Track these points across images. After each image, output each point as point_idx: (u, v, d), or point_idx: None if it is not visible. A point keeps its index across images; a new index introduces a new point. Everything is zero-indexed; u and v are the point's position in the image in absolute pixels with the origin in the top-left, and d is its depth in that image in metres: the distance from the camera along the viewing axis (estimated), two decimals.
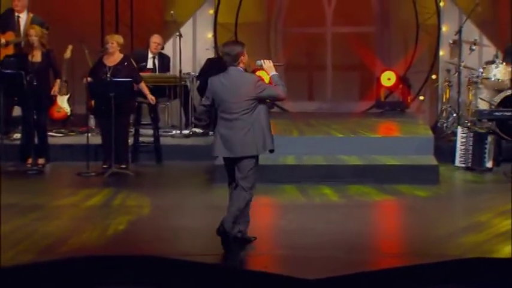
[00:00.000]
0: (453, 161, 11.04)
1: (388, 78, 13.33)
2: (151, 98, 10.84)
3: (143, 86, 10.76)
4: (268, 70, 7.21)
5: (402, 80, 13.41)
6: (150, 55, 12.45)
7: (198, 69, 13.18)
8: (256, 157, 7.12)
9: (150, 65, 12.43)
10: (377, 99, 13.54)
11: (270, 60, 7.25)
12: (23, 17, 12.09)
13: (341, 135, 10.95)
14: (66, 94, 12.39)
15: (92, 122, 12.05)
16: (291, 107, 13.67)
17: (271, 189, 9.38)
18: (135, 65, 10.91)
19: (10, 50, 11.79)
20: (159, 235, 7.71)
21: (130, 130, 11.28)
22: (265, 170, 10.05)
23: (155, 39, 12.44)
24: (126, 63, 10.64)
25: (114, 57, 10.65)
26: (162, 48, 12.61)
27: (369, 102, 13.88)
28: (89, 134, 10.95)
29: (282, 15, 14.55)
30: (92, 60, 11.45)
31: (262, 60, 7.23)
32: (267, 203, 9.32)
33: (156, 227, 8.00)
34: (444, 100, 12.70)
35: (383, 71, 13.53)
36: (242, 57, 7.09)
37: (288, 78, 12.18)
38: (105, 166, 10.59)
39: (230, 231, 6.99)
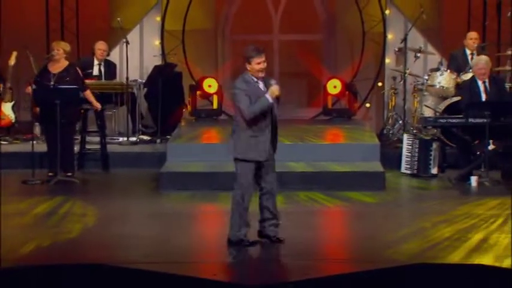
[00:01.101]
0: (399, 168, 11.14)
1: (334, 86, 13.38)
2: (96, 106, 10.77)
3: (88, 94, 10.66)
4: (270, 91, 7.28)
5: (348, 87, 13.47)
6: (95, 62, 12.36)
7: (145, 76, 13.12)
8: (240, 161, 7.25)
9: (96, 72, 12.34)
10: (324, 106, 13.59)
11: (278, 89, 7.28)
12: None
13: (289, 142, 10.97)
14: (11, 101, 12.23)
15: (37, 129, 11.91)
16: None
17: (219, 196, 9.35)
18: (80, 73, 10.81)
19: None
20: (106, 243, 7.64)
21: (77, 137, 11.18)
22: (213, 177, 10.09)
23: (100, 45, 12.36)
24: (70, 71, 10.54)
25: (59, 64, 10.54)
26: (108, 54, 12.54)
27: (316, 109, 13.93)
28: (34, 142, 10.81)
29: (229, 23, 14.56)
30: (37, 67, 11.33)
31: (274, 83, 7.35)
32: (214, 210, 9.30)
33: (102, 235, 7.93)
34: (390, 107, 12.82)
35: (329, 79, 13.58)
36: (246, 63, 7.31)
37: None
38: (50, 174, 10.47)
39: (240, 236, 7.25)
